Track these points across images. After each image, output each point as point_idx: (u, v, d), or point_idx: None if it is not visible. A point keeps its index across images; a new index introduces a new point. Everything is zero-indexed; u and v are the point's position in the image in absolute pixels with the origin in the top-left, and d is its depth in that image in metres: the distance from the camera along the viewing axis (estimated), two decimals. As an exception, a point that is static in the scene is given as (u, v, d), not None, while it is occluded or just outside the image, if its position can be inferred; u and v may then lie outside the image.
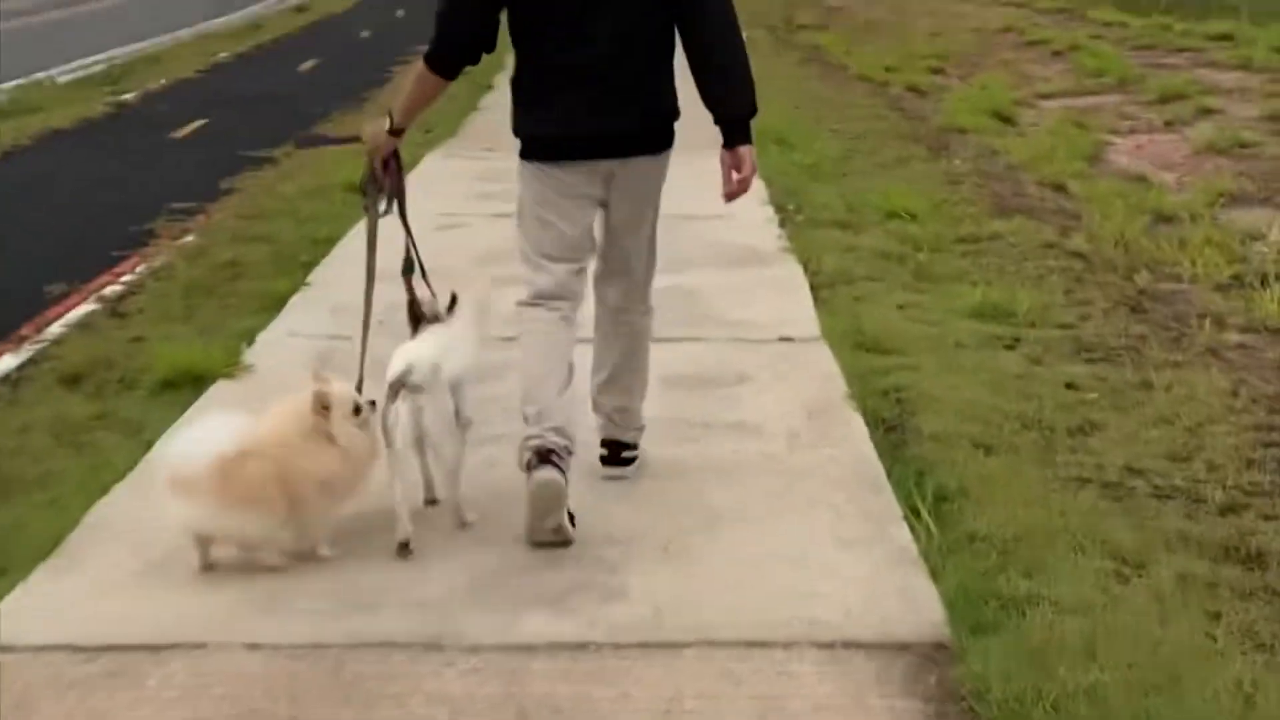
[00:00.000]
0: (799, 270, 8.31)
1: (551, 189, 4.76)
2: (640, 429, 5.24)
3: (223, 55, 22.37)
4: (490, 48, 4.72)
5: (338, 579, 4.50)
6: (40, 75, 19.30)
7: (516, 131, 4.80)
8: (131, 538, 4.79)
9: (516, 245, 4.97)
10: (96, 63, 21.25)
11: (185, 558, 4.57)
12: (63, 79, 19.39)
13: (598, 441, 5.23)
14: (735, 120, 4.84)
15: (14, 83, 18.53)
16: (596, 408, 5.18)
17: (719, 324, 7.30)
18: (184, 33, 26.84)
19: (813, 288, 7.96)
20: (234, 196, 10.96)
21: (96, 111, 16.18)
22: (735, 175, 4.92)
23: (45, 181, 12.03)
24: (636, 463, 5.26)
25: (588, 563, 4.61)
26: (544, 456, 4.56)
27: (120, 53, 22.70)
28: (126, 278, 8.49)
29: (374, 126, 4.99)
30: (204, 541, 4.46)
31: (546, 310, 4.81)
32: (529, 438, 4.63)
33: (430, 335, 4.85)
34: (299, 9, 32.22)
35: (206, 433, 4.46)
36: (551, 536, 4.64)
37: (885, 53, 24.28)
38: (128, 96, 17.45)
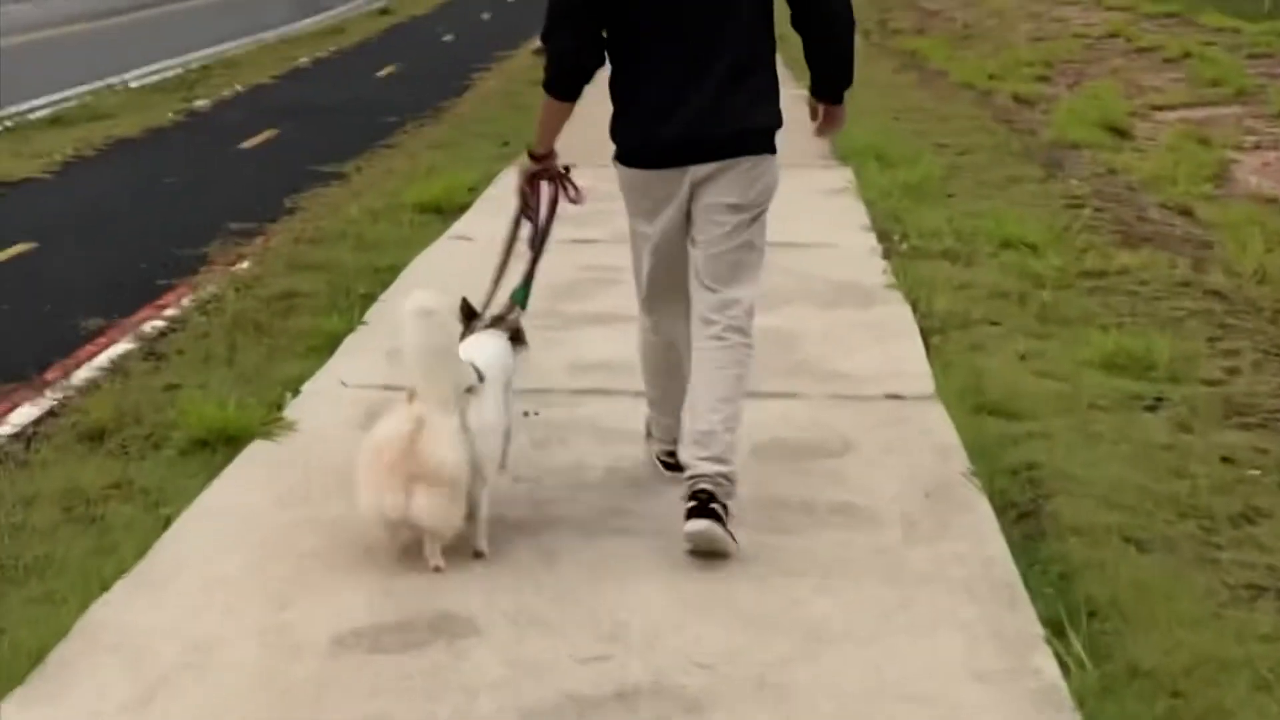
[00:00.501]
0: (907, 311, 7.47)
1: (639, 194, 4.78)
2: (730, 468, 4.63)
3: (301, 60, 21.76)
4: (599, 61, 4.74)
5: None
6: (114, 80, 18.73)
7: (611, 135, 4.81)
8: (127, 652, 4.05)
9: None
10: (173, 67, 20.68)
11: (190, 678, 3.84)
12: (136, 84, 18.82)
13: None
14: (839, 91, 4.89)
15: (87, 88, 17.98)
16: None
17: (818, 376, 6.49)
18: (267, 35, 26.29)
19: (923, 332, 7.12)
20: (297, 216, 10.27)
21: (166, 119, 15.57)
22: (831, 119, 5.01)
23: (101, 197, 11.39)
24: (723, 528, 4.58)
25: (666, 697, 3.82)
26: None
27: (198, 56, 22.14)
28: (170, 311, 7.77)
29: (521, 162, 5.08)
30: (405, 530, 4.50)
31: (655, 326, 4.98)
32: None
33: (479, 342, 4.84)
34: (382, 11, 31.60)
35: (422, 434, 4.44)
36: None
37: (987, 59, 23.33)
38: (200, 103, 16.85)
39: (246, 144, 13.88)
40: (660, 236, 4.76)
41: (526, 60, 20.94)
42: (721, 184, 4.64)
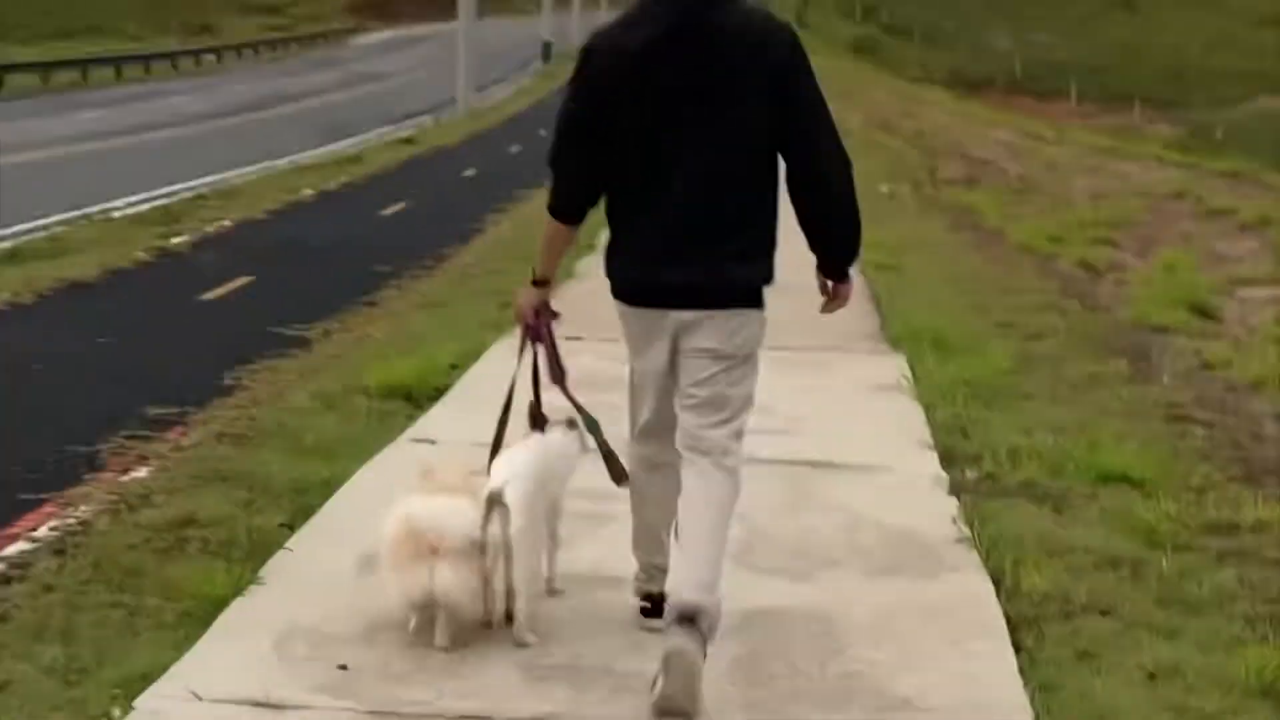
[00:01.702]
0: (986, 586, 5.61)
1: (629, 328, 4.80)
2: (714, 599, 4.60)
3: (306, 192, 20.17)
4: (601, 189, 4.71)
5: None
6: (98, 208, 17.17)
7: (605, 269, 4.82)
8: None
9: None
10: (166, 195, 19.14)
11: None
12: (121, 214, 17.25)
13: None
14: (842, 268, 4.80)
15: (61, 217, 16.38)
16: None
17: (869, 701, 4.62)
18: (281, 162, 24.84)
19: (1010, 623, 5.26)
20: (232, 399, 8.46)
21: (134, 258, 13.91)
22: (835, 295, 4.84)
23: (8, 363, 9.58)
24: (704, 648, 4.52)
25: None
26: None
27: (200, 183, 20.63)
28: (15, 547, 5.95)
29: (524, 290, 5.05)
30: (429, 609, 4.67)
31: (645, 454, 4.93)
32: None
33: (533, 444, 4.96)
34: (406, 140, 30.16)
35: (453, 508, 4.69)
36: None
37: (1045, 216, 21.68)
38: (178, 240, 15.19)
39: (210, 294, 12.16)
40: (649, 372, 4.78)
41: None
42: (704, 331, 4.62)
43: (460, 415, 7.88)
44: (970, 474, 7.16)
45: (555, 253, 4.97)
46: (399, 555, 4.64)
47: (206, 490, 6.52)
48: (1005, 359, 9.89)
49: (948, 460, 7.38)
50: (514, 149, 29.55)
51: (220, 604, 5.18)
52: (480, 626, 4.84)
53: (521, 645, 4.76)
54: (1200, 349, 11.56)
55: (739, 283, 4.62)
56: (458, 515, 4.68)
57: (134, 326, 10.87)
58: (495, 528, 4.67)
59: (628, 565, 5.17)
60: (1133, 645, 5.12)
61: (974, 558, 5.91)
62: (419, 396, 8.42)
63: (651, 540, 4.95)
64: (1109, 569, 5.86)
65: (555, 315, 5.03)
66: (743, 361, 4.68)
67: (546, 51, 73.62)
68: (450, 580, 4.58)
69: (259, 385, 8.78)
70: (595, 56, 4.62)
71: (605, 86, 4.57)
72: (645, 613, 5.02)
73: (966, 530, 6.19)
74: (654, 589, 4.89)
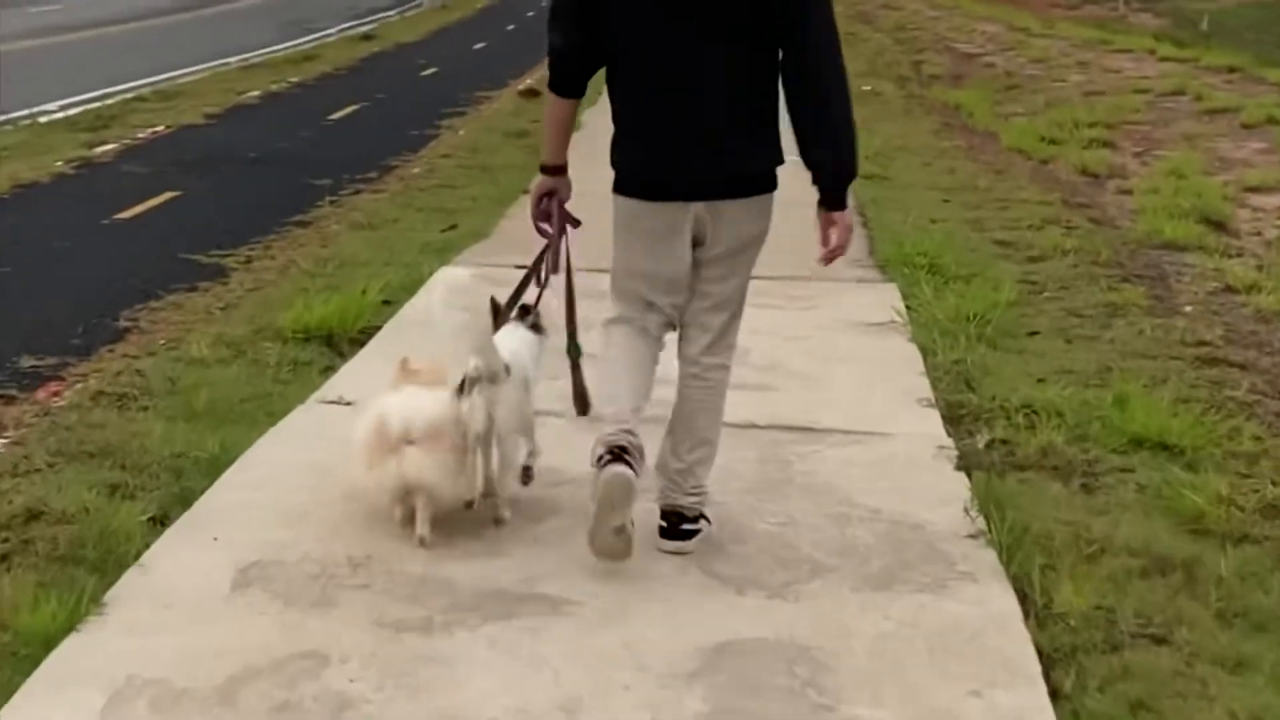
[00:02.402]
0: (1011, 606, 4.54)
1: (641, 227, 4.58)
2: (702, 496, 4.83)
3: (251, 94, 18.83)
4: (597, 59, 4.50)
5: None
6: (26, 112, 15.88)
7: (611, 161, 4.61)
8: None
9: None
10: (102, 97, 17.82)
11: None
12: (48, 118, 15.95)
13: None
14: (836, 184, 4.48)
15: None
16: (660, 470, 4.83)
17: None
18: (233, 60, 23.45)
19: (1044, 660, 4.20)
20: (120, 347, 7.31)
21: (51, 170, 12.66)
22: (831, 239, 4.57)
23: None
24: (699, 537, 4.83)
25: None
26: (616, 455, 4.46)
27: (142, 84, 19.31)
28: None
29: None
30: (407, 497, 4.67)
31: (631, 325, 4.72)
32: (604, 435, 4.52)
33: (506, 332, 4.95)
34: (365, 37, 28.69)
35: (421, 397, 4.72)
36: (613, 540, 4.51)
37: (1038, 117, 20.46)
38: (104, 149, 13.92)
39: (125, 214, 10.94)
40: (661, 269, 4.61)
41: (510, 103, 18.10)
42: (730, 219, 4.52)
43: (386, 366, 6.78)
44: (980, 439, 6.08)
45: (559, 133, 4.70)
46: (372, 453, 4.62)
47: (67, 471, 5.41)
48: (1009, 287, 8.79)
49: (952, 421, 6.31)
50: (479, 45, 28.16)
51: (49, 641, 4.09)
52: (462, 508, 4.87)
53: (500, 521, 4.86)
54: (1219, 269, 10.48)
55: (761, 167, 4.51)
56: (426, 402, 4.67)
57: (31, 253, 9.66)
58: (479, 408, 4.62)
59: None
60: (1197, 689, 4.06)
61: (991, 559, 4.83)
62: (341, 341, 7.32)
63: (625, 392, 4.65)
64: (1157, 575, 4.79)
65: (572, 219, 4.76)
66: (756, 245, 4.65)
67: (519, -58, 71.50)
68: (422, 462, 4.56)
69: (158, 328, 7.64)
70: None
71: None
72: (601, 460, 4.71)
73: (981, 522, 5.11)
74: (624, 442, 4.54)
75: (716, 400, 4.75)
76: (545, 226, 4.79)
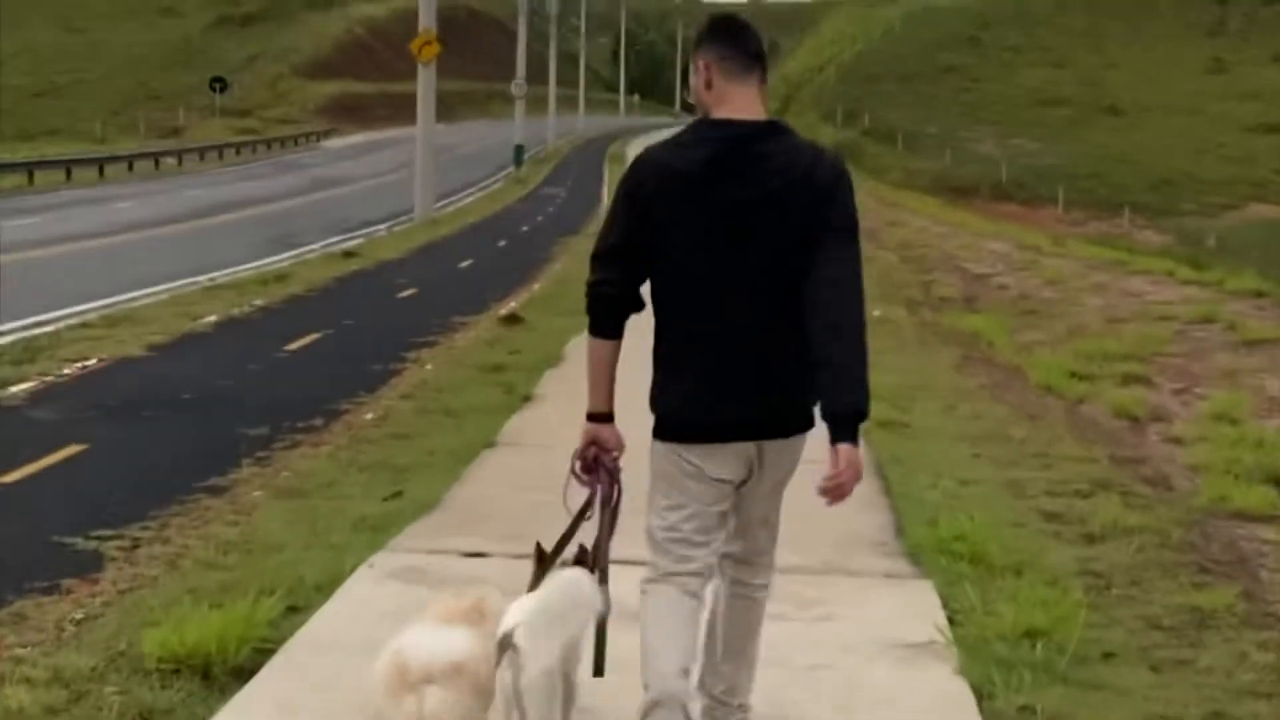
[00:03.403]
0: None
1: (686, 470, 4.56)
2: (746, 712, 4.83)
3: (206, 320, 17.30)
4: (638, 301, 4.57)
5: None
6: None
7: (653, 405, 4.60)
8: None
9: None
10: (43, 322, 16.33)
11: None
12: (-21, 348, 14.41)
13: None
14: (845, 420, 4.43)
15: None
16: (701, 689, 4.79)
17: None
18: (202, 279, 22.07)
19: None
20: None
21: (-48, 415, 11.03)
22: (838, 475, 4.43)
23: None
24: None
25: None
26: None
27: (92, 306, 17.87)
28: None
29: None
30: None
31: (671, 585, 4.60)
32: (650, 701, 4.56)
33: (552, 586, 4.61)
34: (347, 254, 27.36)
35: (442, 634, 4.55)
36: None
37: (1060, 345, 19.04)
38: (17, 389, 12.29)
39: (9, 477, 9.25)
40: (707, 507, 4.60)
41: (489, 331, 16.59)
42: (780, 456, 4.60)
43: (275, 714, 5.08)
44: None
45: (604, 377, 4.64)
46: (391, 689, 4.47)
47: None
48: (1070, 587, 7.11)
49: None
50: (465, 263, 26.85)
51: None
52: None
53: None
54: (1307, 550, 8.84)
55: (807, 407, 4.57)
56: (447, 640, 4.52)
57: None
58: (507, 674, 4.36)
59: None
60: None
61: None
62: (220, 673, 5.59)
63: (669, 651, 4.59)
64: None
65: (617, 464, 4.67)
66: (790, 476, 4.72)
67: (518, 155, 71.59)
68: (441, 702, 4.40)
69: (-18, 656, 5.90)
70: (644, 172, 4.53)
71: (653, 203, 4.48)
72: None
73: None
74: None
75: (756, 616, 4.82)
76: (586, 477, 4.69)
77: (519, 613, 4.42)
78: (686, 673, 4.57)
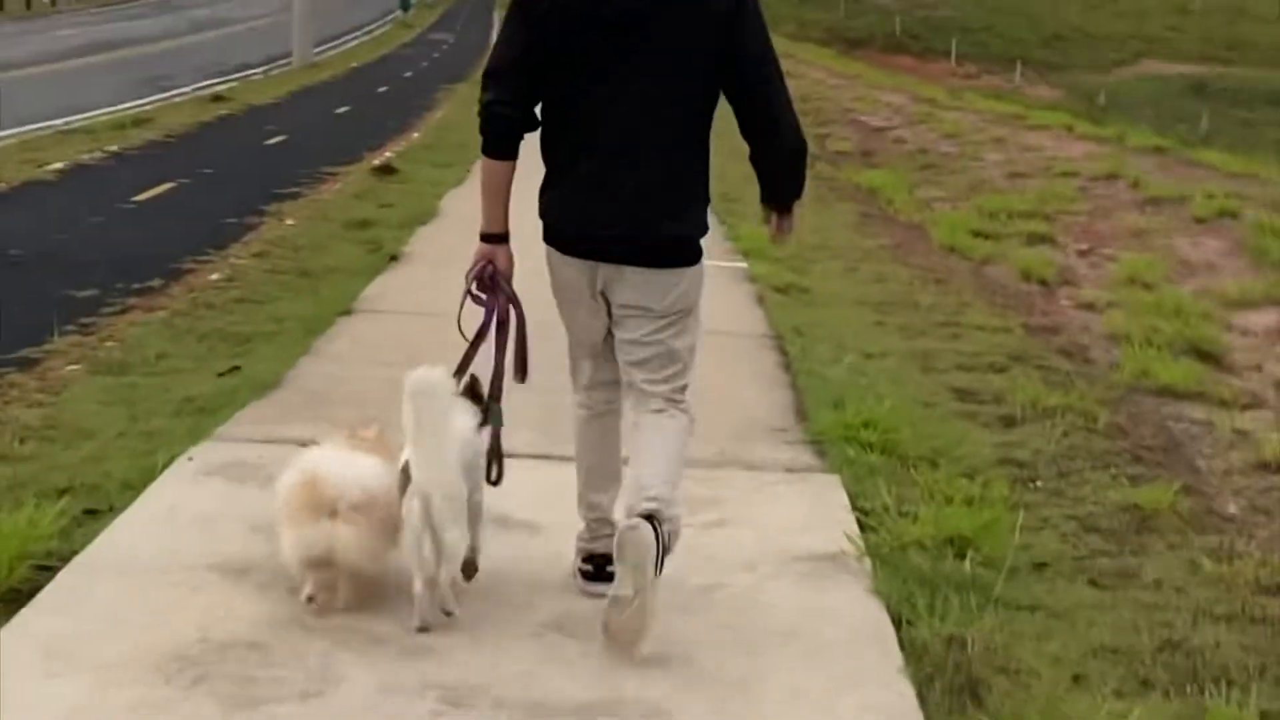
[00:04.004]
0: None
1: (558, 278, 4.61)
2: (674, 523, 4.45)
3: (53, 167, 15.93)
4: (532, 121, 4.49)
5: None
6: None
7: (540, 211, 4.59)
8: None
9: None
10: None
11: None
12: None
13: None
14: (788, 205, 4.61)
15: None
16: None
17: None
18: (57, 122, 20.61)
19: None
20: None
21: None
22: (778, 227, 4.65)
23: None
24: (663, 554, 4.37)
25: None
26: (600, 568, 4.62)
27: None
28: None
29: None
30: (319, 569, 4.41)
31: (586, 398, 4.73)
32: (584, 540, 4.76)
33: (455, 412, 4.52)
34: (216, 98, 25.85)
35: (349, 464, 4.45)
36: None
37: (963, 203, 18.23)
38: None
39: None
40: (583, 330, 4.63)
41: (359, 183, 15.42)
42: (634, 287, 4.47)
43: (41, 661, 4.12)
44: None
45: (498, 197, 4.52)
46: (296, 509, 4.35)
47: None
48: (992, 480, 6.30)
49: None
50: (342, 110, 25.46)
51: None
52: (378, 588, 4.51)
53: (448, 614, 4.43)
54: (1242, 431, 8.12)
55: (671, 239, 4.49)
56: (359, 470, 4.40)
57: None
58: (414, 502, 4.26)
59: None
60: None
61: None
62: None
63: (597, 487, 4.74)
64: None
65: (513, 295, 4.59)
66: (683, 316, 4.54)
67: (404, 0, 69.43)
68: (349, 539, 4.31)
69: None
70: None
71: (547, 19, 4.37)
72: (586, 576, 4.78)
73: None
74: (597, 549, 4.72)
75: (674, 428, 4.56)
76: (483, 296, 4.60)
77: (411, 448, 4.32)
78: (610, 495, 4.69)
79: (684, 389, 4.58)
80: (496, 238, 4.54)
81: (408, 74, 36.94)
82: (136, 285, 9.81)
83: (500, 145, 4.46)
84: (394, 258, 10.69)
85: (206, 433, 6.33)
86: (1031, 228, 15.92)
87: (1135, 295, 12.23)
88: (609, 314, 4.55)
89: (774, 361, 8.24)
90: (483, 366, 4.67)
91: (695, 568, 5.03)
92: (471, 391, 4.66)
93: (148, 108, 23.75)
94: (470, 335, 4.58)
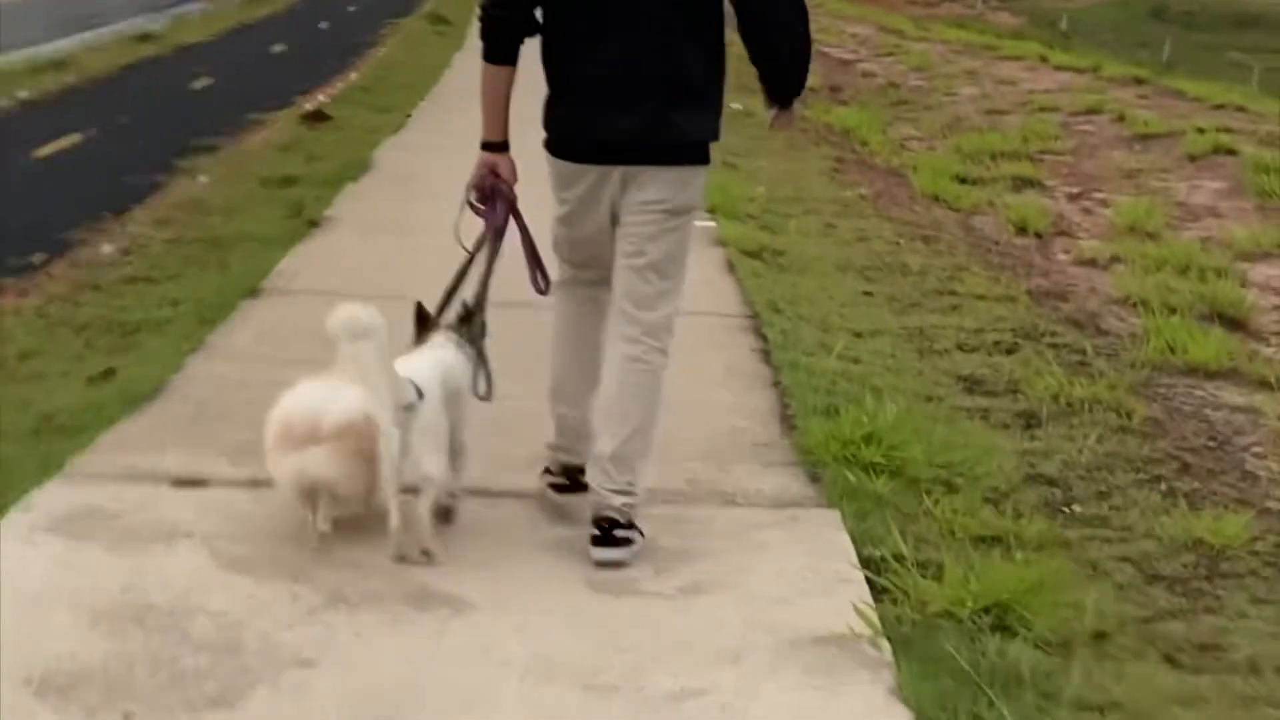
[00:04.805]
0: None
1: (564, 186, 4.59)
2: (635, 498, 4.52)
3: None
4: (531, 22, 4.48)
5: None
6: None
7: (543, 122, 4.57)
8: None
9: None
10: None
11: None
12: None
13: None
14: (789, 101, 4.62)
15: None
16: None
17: None
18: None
19: None
20: None
21: None
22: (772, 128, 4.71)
23: None
24: (634, 549, 4.47)
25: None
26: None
27: None
28: None
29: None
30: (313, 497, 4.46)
31: (572, 290, 4.76)
32: (554, 450, 4.79)
33: (432, 349, 4.61)
34: (141, 37, 24.33)
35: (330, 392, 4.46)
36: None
37: (940, 143, 17.04)
38: None
39: None
40: (588, 233, 4.60)
41: (287, 132, 14.09)
42: (651, 185, 4.46)
43: None
44: None
45: (498, 104, 4.52)
46: (280, 443, 4.45)
47: None
48: (1022, 504, 5.16)
49: None
50: (278, 48, 24.00)
51: None
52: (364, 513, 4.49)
53: (427, 556, 4.39)
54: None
55: (688, 135, 4.48)
56: (336, 398, 4.42)
57: None
58: (394, 430, 4.27)
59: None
60: None
61: None
62: None
63: (573, 394, 4.75)
64: None
65: (511, 195, 4.63)
66: (685, 214, 4.55)
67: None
68: (327, 463, 4.36)
69: None
70: None
71: None
72: (558, 489, 4.81)
73: None
74: (571, 460, 4.76)
75: (650, 383, 4.54)
76: (482, 207, 4.63)
77: (407, 367, 4.35)
78: (585, 399, 4.66)
79: (671, 321, 4.59)
80: (498, 146, 4.57)
81: (352, 8, 35.34)
82: (13, 262, 8.52)
83: (500, 50, 4.48)
84: (314, 223, 9.42)
85: (59, 466, 5.11)
86: (1016, 170, 14.79)
87: (1139, 247, 11.09)
88: (614, 219, 4.55)
89: (750, 349, 7.05)
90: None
91: (663, 661, 3.87)
92: (464, 322, 4.68)
93: (71, 48, 22.20)
94: (470, 245, 4.64)
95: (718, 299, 8.01)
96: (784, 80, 4.54)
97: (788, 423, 5.94)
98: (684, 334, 6.74)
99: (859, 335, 7.65)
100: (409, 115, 15.21)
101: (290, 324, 7.12)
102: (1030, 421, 6.42)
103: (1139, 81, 23.64)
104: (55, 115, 15.16)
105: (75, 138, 13.66)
